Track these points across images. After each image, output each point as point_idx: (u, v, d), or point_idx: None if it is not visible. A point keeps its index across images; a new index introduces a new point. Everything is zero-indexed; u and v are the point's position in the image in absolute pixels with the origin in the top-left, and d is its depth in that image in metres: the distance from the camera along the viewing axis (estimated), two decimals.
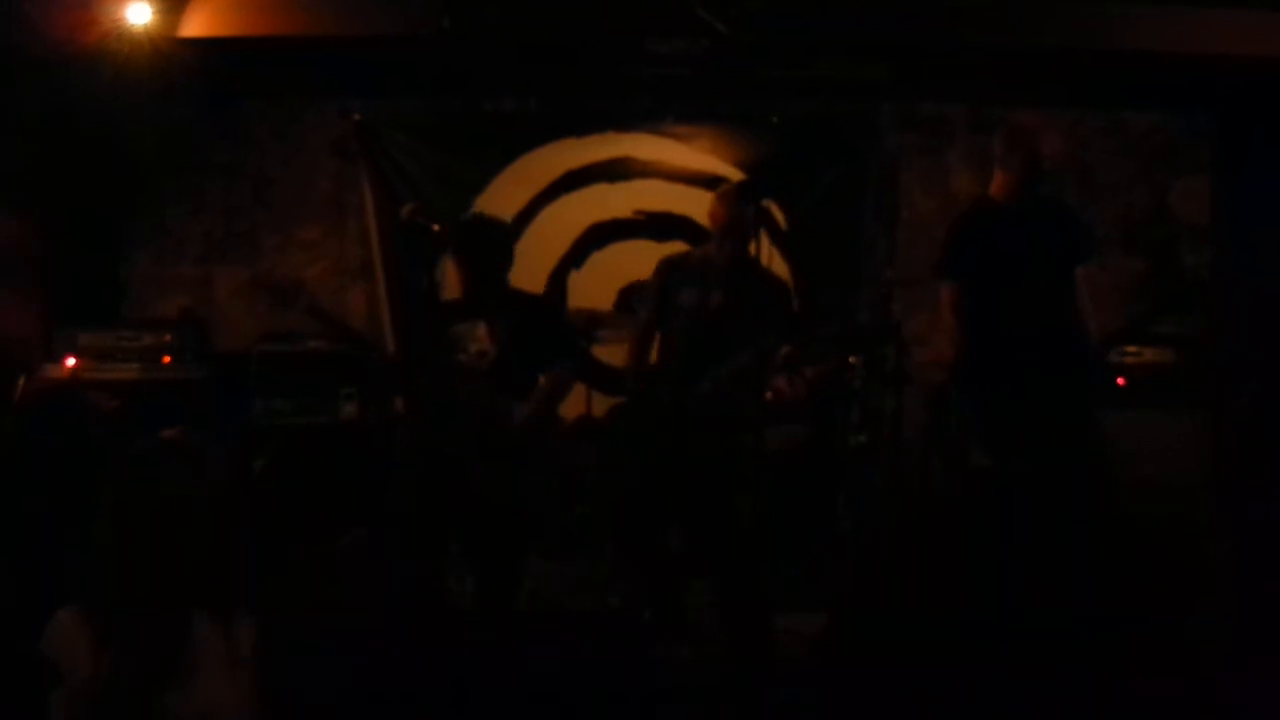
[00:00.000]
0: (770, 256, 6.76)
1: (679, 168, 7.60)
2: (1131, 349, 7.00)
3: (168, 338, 6.73)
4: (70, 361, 6.38)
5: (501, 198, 7.63)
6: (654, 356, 5.87)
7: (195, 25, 6.43)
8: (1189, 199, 8.11)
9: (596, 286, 7.44)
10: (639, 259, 7.25)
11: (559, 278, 7.67)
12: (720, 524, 5.55)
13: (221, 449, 2.83)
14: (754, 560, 5.55)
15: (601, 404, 6.69)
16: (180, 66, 6.30)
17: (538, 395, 5.29)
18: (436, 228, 6.68)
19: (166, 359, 6.67)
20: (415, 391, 6.68)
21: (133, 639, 2.54)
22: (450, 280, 5.67)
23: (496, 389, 5.24)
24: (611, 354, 7.13)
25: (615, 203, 7.67)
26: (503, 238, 5.69)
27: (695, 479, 5.55)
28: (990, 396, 5.63)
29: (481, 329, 5.44)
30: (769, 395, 5.79)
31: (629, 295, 7.37)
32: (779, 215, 7.68)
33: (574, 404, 6.60)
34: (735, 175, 7.53)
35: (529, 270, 7.58)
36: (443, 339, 5.47)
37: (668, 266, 5.89)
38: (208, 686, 2.60)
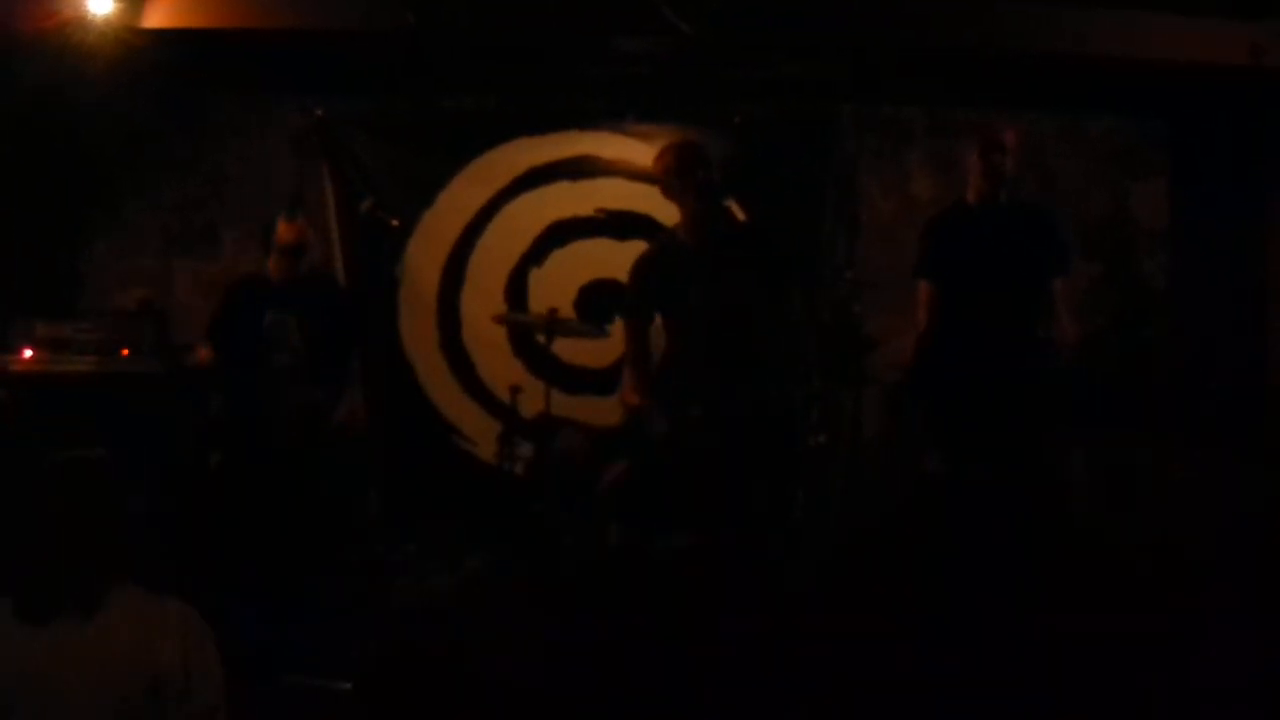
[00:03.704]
0: None
1: (641, 167, 7.59)
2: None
3: (126, 330, 6.67)
4: (27, 353, 6.33)
5: (463, 195, 7.62)
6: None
7: (158, 16, 6.40)
8: (1147, 203, 8.16)
9: (557, 284, 7.43)
10: (600, 257, 7.33)
11: (519, 275, 7.66)
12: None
13: (115, 464, 2.99)
14: None
15: (560, 401, 6.66)
16: (141, 58, 6.27)
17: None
18: (396, 223, 6.68)
19: (125, 352, 6.60)
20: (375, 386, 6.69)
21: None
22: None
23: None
24: (570, 351, 7.15)
25: (577, 201, 7.67)
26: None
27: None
28: (949, 399, 5.67)
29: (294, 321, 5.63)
30: None
31: (589, 294, 7.40)
32: (739, 214, 7.70)
33: (533, 402, 6.60)
34: None
35: (490, 268, 7.61)
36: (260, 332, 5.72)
37: (642, 271, 5.50)
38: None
